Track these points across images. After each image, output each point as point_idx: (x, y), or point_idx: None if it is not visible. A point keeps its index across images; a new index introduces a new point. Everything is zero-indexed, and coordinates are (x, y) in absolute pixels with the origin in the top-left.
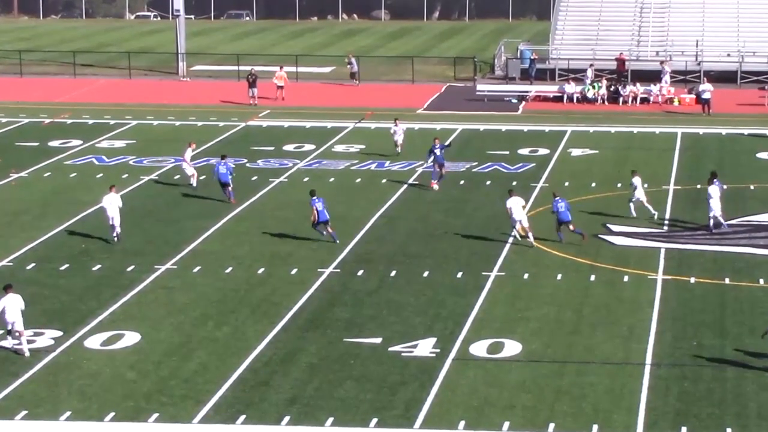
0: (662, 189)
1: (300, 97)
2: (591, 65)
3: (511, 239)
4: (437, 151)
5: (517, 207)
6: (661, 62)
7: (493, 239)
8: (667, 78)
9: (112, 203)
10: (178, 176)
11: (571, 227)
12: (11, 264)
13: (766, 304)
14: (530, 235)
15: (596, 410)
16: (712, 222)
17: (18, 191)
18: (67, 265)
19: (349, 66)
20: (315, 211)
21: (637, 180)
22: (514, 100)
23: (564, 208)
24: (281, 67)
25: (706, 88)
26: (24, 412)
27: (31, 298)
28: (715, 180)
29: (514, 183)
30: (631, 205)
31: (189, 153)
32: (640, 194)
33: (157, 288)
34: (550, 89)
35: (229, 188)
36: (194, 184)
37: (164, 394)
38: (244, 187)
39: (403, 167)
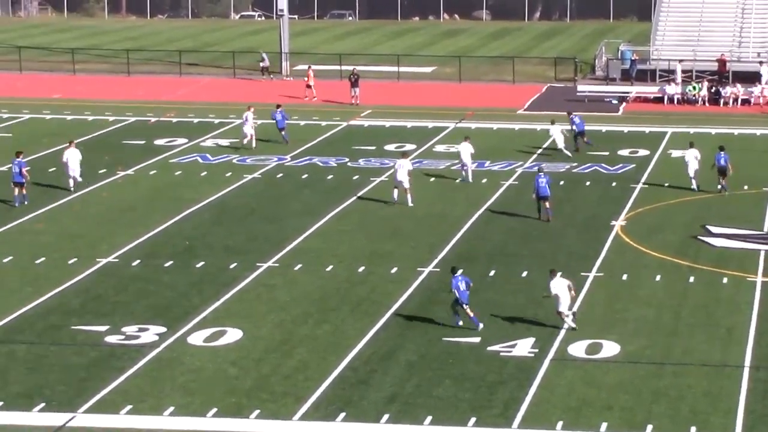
0: (762, 191)
1: (401, 96)
2: (680, 61)
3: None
4: (577, 119)
5: (403, 171)
6: (760, 63)
7: (591, 240)
8: (766, 79)
9: (73, 157)
10: (281, 174)
11: (547, 204)
12: (117, 260)
13: None
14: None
15: (694, 412)
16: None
17: (124, 188)
18: (171, 262)
19: (261, 62)
20: None
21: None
22: (615, 101)
23: (545, 183)
24: (310, 67)
25: None
26: (129, 407)
27: (137, 293)
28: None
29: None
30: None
31: (250, 116)
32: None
33: (259, 285)
34: (650, 90)
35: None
36: (254, 145)
37: (265, 391)
38: (346, 186)
39: (503, 167)
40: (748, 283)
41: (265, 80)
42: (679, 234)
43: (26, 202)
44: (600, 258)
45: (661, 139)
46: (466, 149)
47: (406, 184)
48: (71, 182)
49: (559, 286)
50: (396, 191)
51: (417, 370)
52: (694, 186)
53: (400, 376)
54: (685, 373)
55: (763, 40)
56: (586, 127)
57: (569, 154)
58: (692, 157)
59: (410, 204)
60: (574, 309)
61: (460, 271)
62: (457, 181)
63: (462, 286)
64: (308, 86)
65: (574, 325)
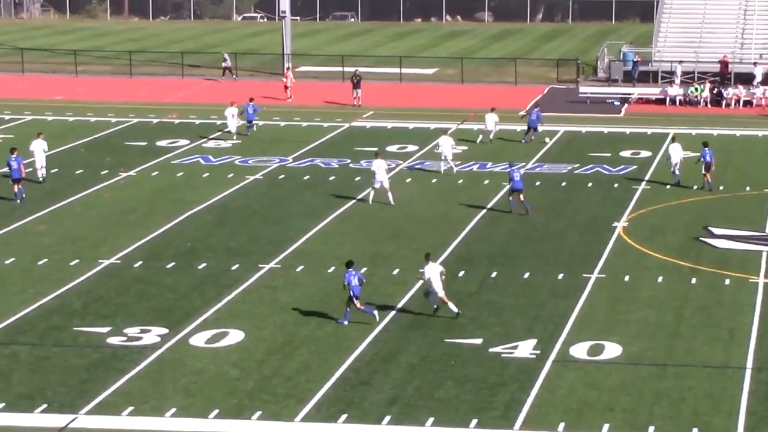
0: (764, 192)
1: (403, 98)
2: (680, 62)
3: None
4: (533, 116)
5: (382, 171)
6: (755, 64)
7: (593, 241)
8: (758, 79)
9: (38, 148)
10: (283, 176)
11: (521, 197)
12: (119, 262)
13: None
14: (390, 196)
15: (696, 414)
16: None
17: (126, 190)
18: (173, 263)
19: (223, 62)
20: None
21: (673, 147)
22: (617, 102)
23: (519, 177)
24: (288, 68)
25: None
26: (130, 408)
27: (138, 295)
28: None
29: (616, 185)
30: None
31: (232, 110)
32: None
33: (261, 287)
34: (652, 91)
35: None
36: (234, 140)
37: (267, 392)
38: (348, 188)
39: (505, 168)
40: (750, 284)
41: (227, 81)
42: (681, 235)
43: (23, 196)
44: (602, 259)
45: (663, 140)
46: (446, 142)
47: (386, 184)
48: (39, 174)
49: (433, 271)
50: (372, 192)
51: (418, 372)
52: (675, 180)
53: (401, 377)
54: (686, 375)
55: (765, 42)
56: (580, 131)
57: (485, 142)
58: (675, 152)
59: (392, 203)
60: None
61: (353, 267)
62: (451, 174)
63: (354, 281)
64: (286, 87)
65: (456, 309)
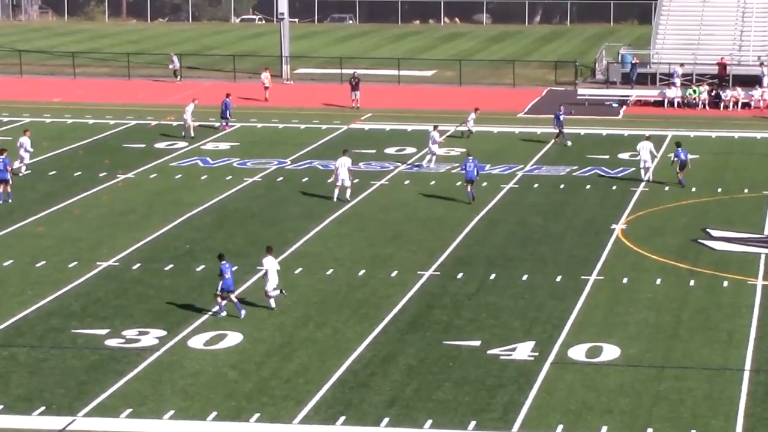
0: (762, 194)
1: (402, 100)
2: (681, 64)
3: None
4: (560, 117)
5: (344, 169)
6: (761, 64)
7: (592, 243)
8: (766, 81)
9: (22, 144)
10: (281, 178)
11: (469, 188)
12: (118, 264)
13: None
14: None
15: (694, 416)
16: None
17: (125, 192)
18: (171, 266)
19: (171, 64)
20: None
21: (643, 144)
22: (615, 105)
23: (472, 167)
24: (266, 69)
25: None
26: (129, 410)
27: (137, 297)
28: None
29: (614, 187)
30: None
31: (191, 107)
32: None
33: (259, 289)
34: (651, 93)
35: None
36: (192, 135)
37: (265, 394)
38: None
39: (504, 171)
40: (748, 286)
41: (176, 82)
42: (680, 237)
43: (10, 200)
44: (600, 261)
45: (662, 142)
46: (433, 138)
47: (347, 182)
48: (19, 165)
49: (270, 264)
50: (337, 190)
51: (417, 374)
52: (644, 177)
53: (400, 379)
54: (685, 377)
55: (764, 44)
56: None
57: (461, 134)
58: (645, 150)
59: (348, 198)
60: (276, 292)
61: (226, 260)
62: (424, 165)
63: (228, 273)
64: (266, 88)
65: (274, 306)
